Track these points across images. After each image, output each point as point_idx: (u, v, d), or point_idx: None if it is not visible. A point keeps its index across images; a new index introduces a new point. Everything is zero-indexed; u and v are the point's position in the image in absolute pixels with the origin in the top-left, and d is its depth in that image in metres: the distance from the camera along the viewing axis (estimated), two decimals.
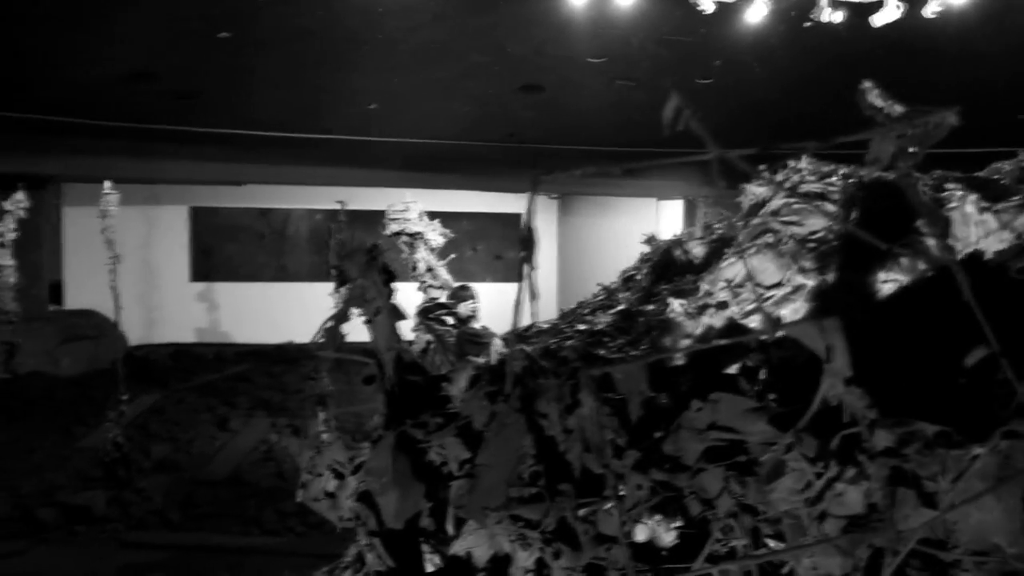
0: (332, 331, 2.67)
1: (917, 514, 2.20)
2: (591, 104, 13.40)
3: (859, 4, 8.60)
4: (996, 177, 3.39)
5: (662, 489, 2.49)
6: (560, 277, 19.09)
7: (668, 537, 2.76)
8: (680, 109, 2.07)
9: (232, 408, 12.15)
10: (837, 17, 9.56)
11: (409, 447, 2.54)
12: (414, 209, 10.27)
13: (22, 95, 11.83)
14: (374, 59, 11.62)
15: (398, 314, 2.54)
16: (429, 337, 7.31)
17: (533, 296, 2.03)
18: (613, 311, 3.24)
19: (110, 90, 12.09)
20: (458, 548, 2.46)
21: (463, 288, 8.26)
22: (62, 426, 11.19)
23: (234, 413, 11.90)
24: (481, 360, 2.67)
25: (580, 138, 14.04)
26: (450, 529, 2.47)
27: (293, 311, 16.43)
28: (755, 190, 3.07)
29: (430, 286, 9.46)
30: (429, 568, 2.61)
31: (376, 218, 11.42)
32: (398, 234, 10.29)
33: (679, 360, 2.77)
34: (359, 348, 2.73)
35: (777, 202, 2.94)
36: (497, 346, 2.79)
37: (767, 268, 2.81)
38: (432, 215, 10.54)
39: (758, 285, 2.82)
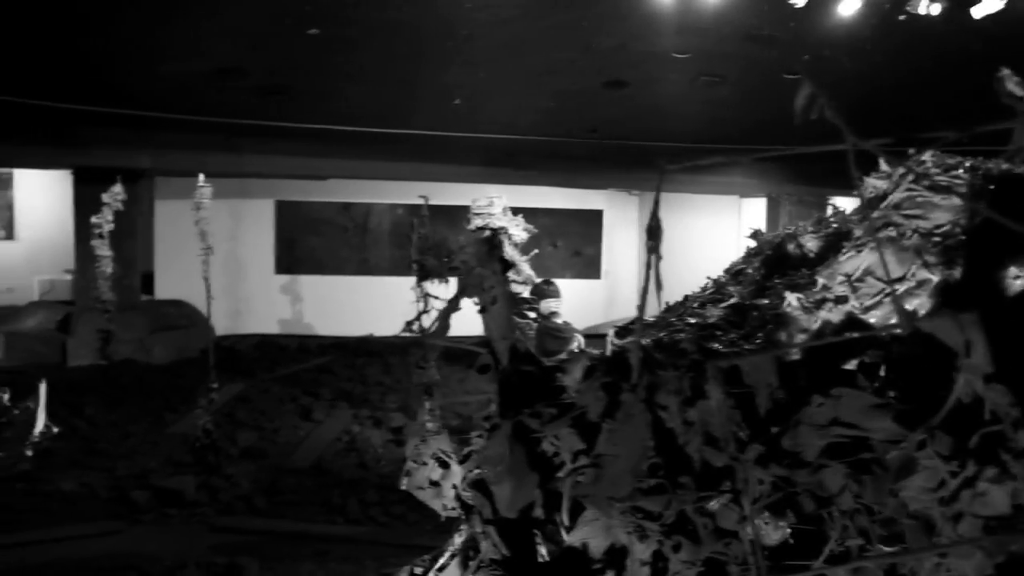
0: (443, 319, 2.68)
1: None
2: (675, 100, 13.26)
3: None
4: None
5: (782, 485, 2.44)
6: (640, 273, 18.99)
7: (776, 535, 2.70)
8: (813, 97, 2.02)
9: (315, 399, 12.33)
10: (935, 9, 9.26)
11: (524, 436, 2.53)
12: (498, 204, 10.29)
13: (119, 91, 12.20)
14: (459, 55, 11.69)
15: (515, 303, 2.54)
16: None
17: (659, 287, 2.01)
18: (724, 305, 3.19)
19: (201, 86, 12.39)
20: (574, 538, 2.44)
21: (547, 283, 8.24)
22: (153, 412, 11.51)
23: (317, 404, 12.08)
24: (595, 352, 2.65)
25: (663, 134, 13.91)
26: (565, 519, 2.46)
27: (374, 304, 16.63)
28: (874, 183, 3.00)
29: (513, 281, 9.46)
30: (540, 558, 2.60)
31: (458, 213, 11.48)
32: (481, 229, 10.32)
33: (794, 355, 2.71)
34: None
35: (899, 195, 2.86)
36: (610, 338, 2.77)
37: (889, 262, 2.73)
38: (514, 211, 10.56)
39: (879, 279, 2.75)
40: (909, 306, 2.61)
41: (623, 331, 3.18)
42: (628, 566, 2.41)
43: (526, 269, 10.45)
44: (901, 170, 2.91)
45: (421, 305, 12.27)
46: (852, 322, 2.73)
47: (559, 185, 16.35)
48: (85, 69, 11.63)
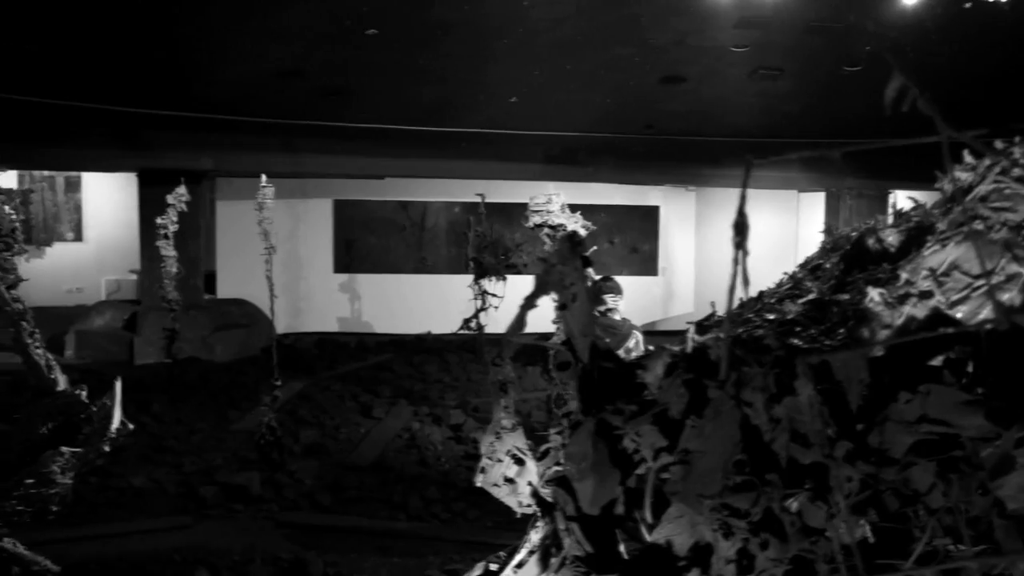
0: (520, 317, 2.68)
1: None
2: (732, 94, 13.14)
3: None
4: None
5: (871, 482, 2.41)
6: (697, 269, 18.83)
7: (856, 533, 2.66)
8: (906, 87, 1.99)
9: (375, 396, 12.44)
10: None
11: (606, 433, 2.53)
12: (556, 201, 10.28)
13: (182, 95, 12.45)
14: (516, 52, 11.72)
15: (596, 300, 2.54)
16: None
17: (747, 283, 1.99)
18: (803, 300, 3.15)
19: (261, 88, 12.59)
20: (658, 536, 2.43)
21: (607, 279, 8.20)
22: (217, 409, 11.72)
23: (377, 401, 12.18)
24: (676, 348, 2.63)
25: (721, 129, 13.79)
26: (648, 517, 2.45)
27: (432, 303, 16.74)
28: (959, 175, 2.93)
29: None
30: (623, 555, 2.60)
31: (514, 211, 11.51)
32: (540, 226, 10.32)
33: (878, 351, 2.67)
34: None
35: (986, 188, 2.79)
36: (691, 334, 2.74)
37: (975, 256, 2.67)
38: (572, 208, 10.55)
39: (965, 274, 2.69)
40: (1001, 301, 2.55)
41: (703, 327, 3.15)
42: (713, 564, 2.40)
43: None
44: (987, 162, 2.84)
45: (478, 303, 12.29)
46: (938, 317, 2.68)
47: (616, 182, 16.28)
48: (150, 74, 11.90)
